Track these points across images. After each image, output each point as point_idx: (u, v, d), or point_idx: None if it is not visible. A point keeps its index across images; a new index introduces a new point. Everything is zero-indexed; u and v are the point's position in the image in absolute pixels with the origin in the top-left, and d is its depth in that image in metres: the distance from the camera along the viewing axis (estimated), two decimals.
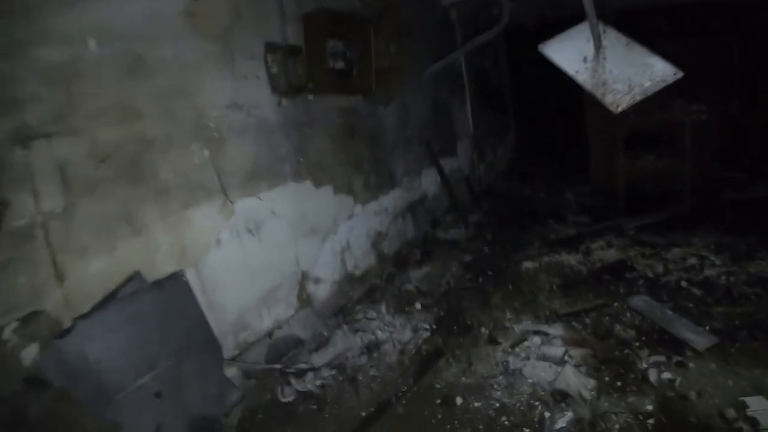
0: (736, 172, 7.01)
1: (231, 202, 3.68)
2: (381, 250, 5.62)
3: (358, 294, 5.16)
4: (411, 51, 5.89)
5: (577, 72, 2.70)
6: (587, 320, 4.27)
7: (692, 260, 5.19)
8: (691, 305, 4.35)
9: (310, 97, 4.49)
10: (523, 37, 10.29)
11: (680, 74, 2.52)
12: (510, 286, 5.08)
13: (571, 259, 5.53)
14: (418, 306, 4.84)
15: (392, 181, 5.85)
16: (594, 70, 2.62)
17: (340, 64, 4.60)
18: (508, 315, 4.52)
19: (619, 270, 5.10)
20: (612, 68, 2.59)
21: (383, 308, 4.90)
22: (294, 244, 4.33)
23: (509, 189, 8.56)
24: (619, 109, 2.46)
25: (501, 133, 9.70)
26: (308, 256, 4.50)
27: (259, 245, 3.99)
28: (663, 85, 2.53)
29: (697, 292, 4.55)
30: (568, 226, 6.56)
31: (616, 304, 4.49)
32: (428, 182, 6.74)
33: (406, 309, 4.83)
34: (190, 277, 3.38)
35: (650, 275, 4.95)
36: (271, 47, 4.02)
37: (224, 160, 3.65)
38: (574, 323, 4.24)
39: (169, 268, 3.25)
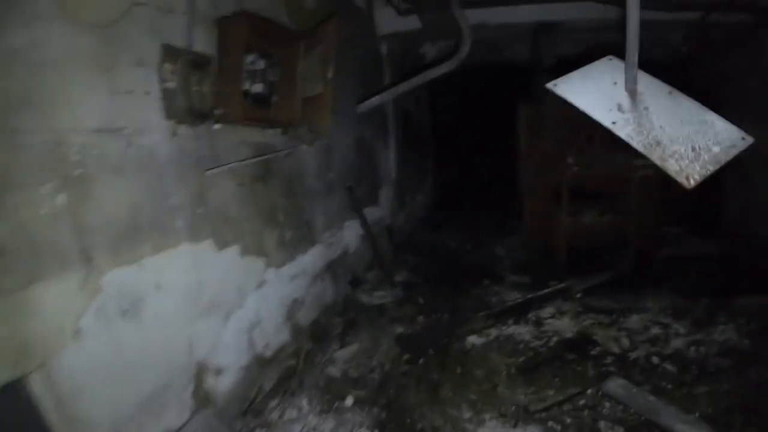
0: (673, 225, 7.05)
1: (98, 274, 2.58)
2: (296, 322, 4.60)
3: (270, 381, 4.09)
4: (340, 80, 5.21)
5: (614, 123, 2.12)
6: (566, 418, 3.60)
7: (655, 329, 4.87)
8: (670, 386, 3.97)
9: (217, 126, 3.49)
10: (444, 78, 10.26)
11: (750, 140, 2.05)
12: (459, 370, 4.29)
13: (522, 331, 4.91)
14: (349, 401, 3.87)
15: (312, 237, 4.91)
16: (638, 123, 2.06)
17: (258, 87, 3.70)
18: (466, 413, 3.70)
19: (581, 346, 4.58)
20: (661, 123, 2.06)
21: (304, 403, 3.94)
22: (187, 327, 3.23)
23: (432, 240, 7.95)
24: (692, 183, 1.91)
25: (420, 178, 9.18)
26: (206, 339, 3.41)
27: (139, 332, 2.86)
28: (734, 153, 2.02)
29: (671, 368, 4.21)
30: (508, 288, 6.01)
31: (589, 391, 3.90)
32: (350, 235, 5.88)
33: (335, 406, 3.88)
34: (36, 385, 2.26)
35: (616, 350, 4.49)
36: (170, 52, 2.98)
37: (90, 210, 2.55)
38: (551, 423, 3.57)
39: (1, 376, 2.17)
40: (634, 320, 5.07)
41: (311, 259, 4.90)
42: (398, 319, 5.29)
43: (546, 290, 5.61)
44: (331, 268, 5.37)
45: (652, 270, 6.20)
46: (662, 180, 6.43)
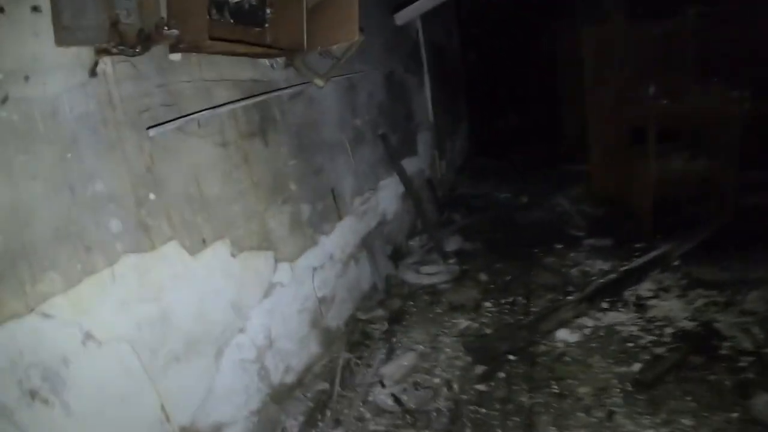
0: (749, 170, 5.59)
1: None
2: (326, 326, 3.37)
3: (295, 420, 2.91)
4: None
5: None
6: None
7: None
8: None
9: (174, 57, 2.13)
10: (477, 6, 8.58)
11: None
12: (555, 387, 3.03)
13: (624, 320, 3.58)
14: None
15: (338, 208, 3.57)
16: None
17: None
18: None
19: (704, 341, 3.28)
20: None
21: None
22: (150, 389, 1.99)
23: (480, 193, 6.54)
24: None
25: (456, 121, 7.65)
26: (189, 395, 2.18)
27: (67, 417, 1.80)
28: None
29: None
30: (588, 254, 4.61)
31: (735, 414, 2.69)
32: (387, 197, 4.54)
33: None
34: None
35: (749, 346, 3.20)
36: None
37: None
38: None
39: None
40: (755, 298, 3.67)
41: (339, 238, 3.59)
42: (459, 307, 3.97)
43: (641, 260, 4.22)
44: (367, 243, 4.07)
45: (749, 224, 4.76)
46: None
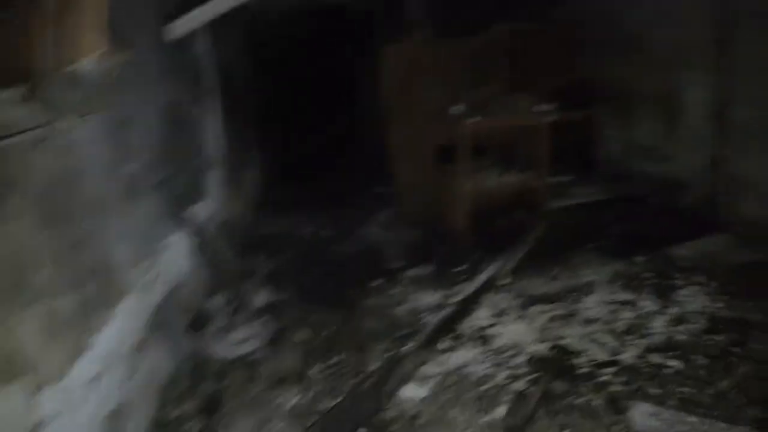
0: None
1: None
2: None
3: None
4: None
5: None
6: None
7: (624, 312, 3.73)
8: (694, 391, 2.89)
9: None
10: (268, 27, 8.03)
11: None
12: None
13: (471, 358, 3.30)
14: None
15: (112, 287, 2.63)
16: None
17: None
18: None
19: (559, 362, 3.19)
20: None
21: None
22: None
23: (283, 229, 5.88)
24: None
25: (254, 151, 6.93)
26: None
27: None
28: None
29: (678, 365, 3.09)
30: (411, 286, 4.32)
31: None
32: (176, 258, 3.62)
33: None
34: None
35: (605, 356, 3.24)
36: None
37: None
38: None
39: None
40: (591, 304, 3.84)
41: (120, 327, 2.64)
42: (282, 380, 3.25)
43: (471, 285, 4.09)
44: (158, 321, 3.15)
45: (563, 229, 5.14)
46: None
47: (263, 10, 5.57)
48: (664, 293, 3.90)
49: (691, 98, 5.05)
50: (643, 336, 3.44)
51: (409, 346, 3.39)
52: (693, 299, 3.81)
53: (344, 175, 7.66)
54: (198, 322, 3.79)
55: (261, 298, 4.30)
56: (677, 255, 4.44)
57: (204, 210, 4.37)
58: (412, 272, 4.53)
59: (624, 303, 3.80)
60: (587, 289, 4.03)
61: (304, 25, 7.75)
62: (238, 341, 3.70)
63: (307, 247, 5.40)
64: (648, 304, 3.76)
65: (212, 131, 4.88)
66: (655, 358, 3.20)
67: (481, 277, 4.16)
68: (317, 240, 5.57)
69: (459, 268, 4.53)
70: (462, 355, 3.36)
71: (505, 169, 5.09)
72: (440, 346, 3.45)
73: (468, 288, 4.06)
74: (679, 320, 3.57)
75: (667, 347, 3.31)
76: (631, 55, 5.56)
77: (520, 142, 5.21)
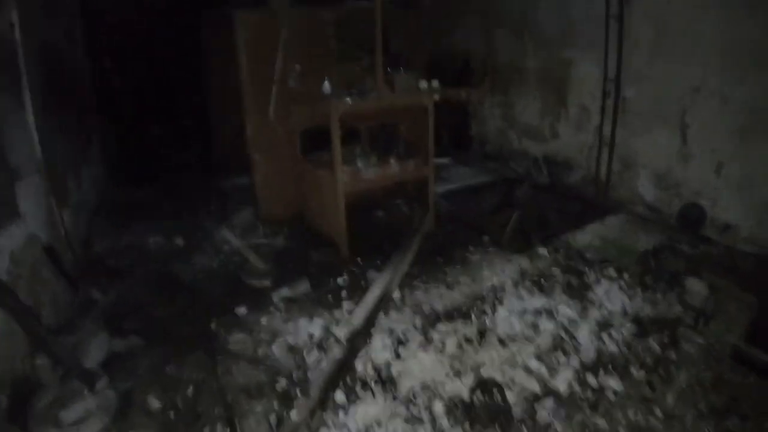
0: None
1: None
2: None
3: None
4: None
5: None
6: None
7: (547, 324, 3.08)
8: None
9: None
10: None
11: None
12: None
13: (379, 413, 2.44)
14: None
15: None
16: None
17: None
18: None
19: (486, 404, 2.42)
20: None
21: None
22: None
23: (125, 244, 4.46)
24: None
25: (85, 149, 5.26)
26: None
27: None
28: None
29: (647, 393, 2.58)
30: (284, 314, 3.31)
31: None
32: None
33: None
34: None
35: (536, 388, 2.58)
36: None
37: None
38: None
39: None
40: (503, 316, 3.13)
41: None
42: None
43: (361, 308, 3.15)
44: None
45: (451, 220, 4.50)
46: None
47: None
48: (578, 293, 3.37)
49: (579, 76, 4.65)
50: (571, 353, 2.90)
51: (297, 404, 2.54)
52: (610, 298, 3.31)
53: (195, 170, 6.33)
54: (21, 396, 2.53)
55: (98, 347, 2.98)
56: (580, 243, 3.97)
57: (16, 234, 3.02)
58: (284, 291, 3.51)
59: (539, 312, 3.20)
60: (494, 295, 3.37)
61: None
62: (74, 421, 2.53)
63: (155, 264, 4.10)
64: (566, 310, 3.18)
65: (22, 130, 3.45)
66: (592, 380, 2.67)
67: (370, 295, 3.29)
68: (166, 254, 4.27)
69: (339, 282, 3.65)
70: (366, 411, 2.47)
71: (383, 155, 4.19)
72: (338, 400, 2.58)
73: (356, 310, 3.18)
74: (603, 326, 3.05)
75: (601, 363, 2.76)
76: (517, 32, 5.07)
77: (400, 123, 4.43)
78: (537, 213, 4.31)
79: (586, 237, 4.04)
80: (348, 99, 3.69)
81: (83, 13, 5.59)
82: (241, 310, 3.38)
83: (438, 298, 3.40)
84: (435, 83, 3.95)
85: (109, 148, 6.11)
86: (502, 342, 2.97)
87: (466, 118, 5.50)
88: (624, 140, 4.34)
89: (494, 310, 3.24)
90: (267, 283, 3.68)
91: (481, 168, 5.35)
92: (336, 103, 3.67)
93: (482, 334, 3.04)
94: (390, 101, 3.90)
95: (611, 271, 3.60)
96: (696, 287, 3.44)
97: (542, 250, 3.87)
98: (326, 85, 3.88)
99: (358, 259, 3.94)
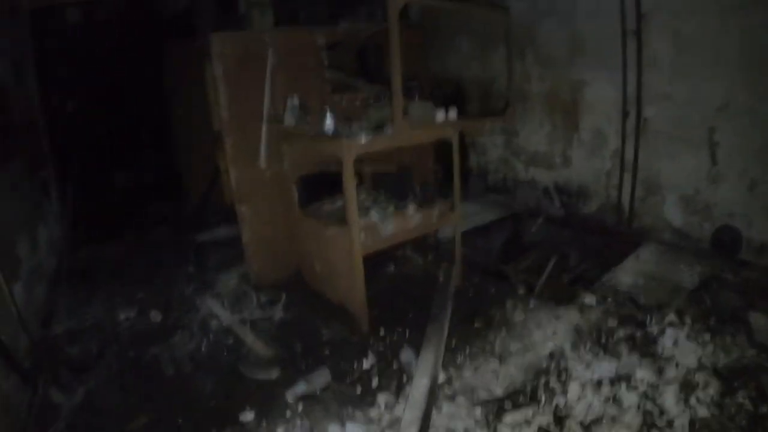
0: None
1: None
2: None
3: None
4: None
5: None
6: None
7: (629, 397, 2.55)
8: None
9: None
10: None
11: None
12: None
13: None
14: None
15: None
16: None
17: None
18: None
19: None
20: None
21: None
22: None
23: (88, 319, 3.62)
24: None
25: (39, 204, 4.35)
26: None
27: None
28: None
29: None
30: (307, 418, 2.58)
31: None
32: None
33: None
34: None
35: None
36: None
37: None
38: None
39: None
40: (575, 393, 2.52)
41: None
42: None
43: (410, 405, 2.46)
44: None
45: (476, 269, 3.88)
46: None
47: None
48: (646, 349, 2.84)
49: (592, 97, 4.18)
50: (665, 428, 2.46)
51: None
52: (681, 350, 2.80)
53: (167, 223, 5.46)
54: None
55: None
56: (623, 284, 3.44)
57: None
58: (300, 387, 2.74)
59: (615, 380, 2.70)
60: (557, 366, 2.77)
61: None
62: None
63: (129, 350, 3.27)
64: (642, 373, 2.68)
65: None
66: None
67: (416, 389, 2.56)
68: (141, 335, 3.43)
69: (365, 365, 2.93)
70: None
71: (398, 202, 3.51)
72: None
73: (405, 414, 2.43)
74: (687, 387, 2.56)
75: None
76: (519, 53, 4.53)
77: (409, 162, 3.83)
78: (559, 252, 3.85)
79: (627, 277, 3.56)
80: (362, 137, 2.98)
81: (35, 45, 4.72)
82: (248, 417, 2.61)
83: (493, 377, 2.76)
84: (453, 113, 3.36)
85: (68, 202, 5.15)
86: (586, 429, 2.46)
87: (463, 148, 4.96)
88: (647, 163, 3.91)
89: (564, 386, 2.70)
90: (275, 375, 2.90)
91: (484, 203, 4.77)
92: (349, 143, 2.96)
93: (560, 421, 2.46)
94: (409, 137, 3.24)
95: (671, 316, 3.11)
96: (760, 322, 3.07)
97: (588, 298, 3.34)
98: (329, 121, 3.23)
99: (380, 330, 3.23)
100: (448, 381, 2.74)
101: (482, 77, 4.93)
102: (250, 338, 3.16)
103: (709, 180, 3.69)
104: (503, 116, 3.58)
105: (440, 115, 3.31)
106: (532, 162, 4.67)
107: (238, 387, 2.86)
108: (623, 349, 2.93)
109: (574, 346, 2.94)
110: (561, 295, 3.42)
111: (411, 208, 3.40)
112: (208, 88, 3.67)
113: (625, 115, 3.87)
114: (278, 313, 3.48)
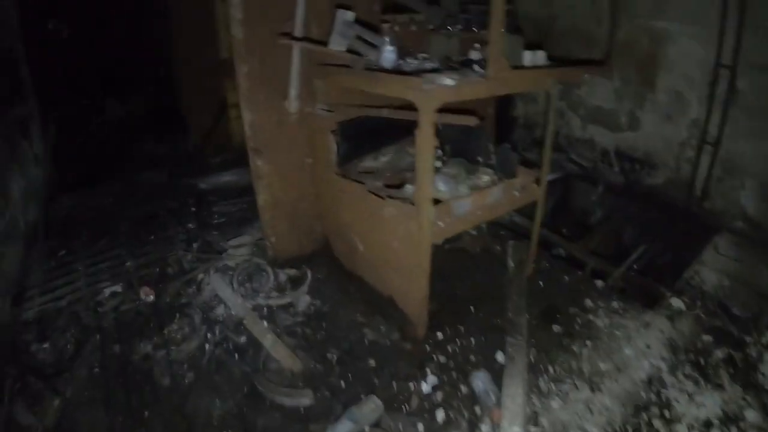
0: None
1: None
2: None
3: None
4: None
5: None
6: None
7: None
8: None
9: None
10: None
11: None
12: None
13: None
14: None
15: None
16: None
17: None
18: None
19: None
20: None
21: None
22: None
23: (67, 302, 2.73)
24: None
25: (15, 144, 3.36)
26: None
27: None
28: None
29: None
30: None
31: None
32: None
33: None
34: None
35: None
36: None
37: None
38: None
39: None
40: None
41: None
42: None
43: None
44: None
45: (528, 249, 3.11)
46: None
47: None
48: (748, 377, 2.35)
49: (674, 54, 3.39)
50: None
51: None
52: None
53: (164, 165, 4.45)
54: None
55: None
56: (709, 284, 2.90)
57: None
58: (343, 428, 2.04)
59: (723, 422, 2.22)
60: (657, 398, 2.22)
61: None
62: None
63: (109, 348, 2.46)
64: (750, 414, 2.19)
65: None
66: None
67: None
68: (128, 324, 2.61)
69: (424, 388, 2.27)
70: None
71: (469, 167, 2.71)
72: None
73: None
74: None
75: None
76: None
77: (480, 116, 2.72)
78: (644, 242, 3.25)
79: (711, 275, 3.00)
80: (448, 81, 2.08)
81: None
82: None
83: (585, 410, 2.17)
84: (541, 54, 2.51)
85: (51, 139, 4.13)
86: None
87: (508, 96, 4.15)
88: (731, 141, 3.31)
89: (670, 427, 2.24)
90: (306, 400, 2.19)
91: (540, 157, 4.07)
92: (430, 88, 2.07)
93: None
94: (505, 83, 2.34)
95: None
96: None
97: (676, 301, 2.83)
98: (388, 52, 2.37)
99: (438, 334, 2.55)
100: (534, 417, 2.19)
101: (540, 14, 4.06)
102: (269, 339, 2.43)
103: None
104: (604, 67, 2.72)
105: (528, 57, 2.47)
106: (592, 119, 3.91)
107: (255, 414, 2.16)
108: (724, 375, 2.43)
109: (672, 369, 2.42)
110: (644, 293, 2.90)
111: (487, 178, 2.62)
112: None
113: (714, 81, 3.20)
114: (303, 298, 2.71)
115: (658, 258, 3.17)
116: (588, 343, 2.51)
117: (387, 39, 2.37)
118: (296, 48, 2.61)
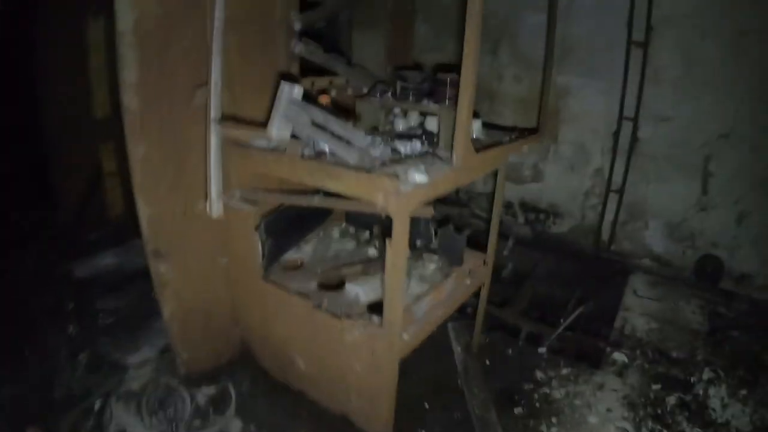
0: None
1: None
2: None
3: None
4: None
5: None
6: None
7: None
8: None
9: None
10: None
11: None
12: None
13: None
14: None
15: None
16: None
17: None
18: None
19: None
20: None
21: None
22: None
23: None
24: None
25: None
26: None
27: None
28: None
29: None
30: None
31: None
32: None
33: None
34: None
35: None
36: None
37: None
38: None
39: None
40: None
41: None
42: None
43: None
44: None
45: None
46: None
47: None
48: (703, 419, 2.39)
49: (577, 108, 3.58)
50: None
51: None
52: (730, 413, 2.41)
53: (31, 246, 3.55)
54: None
55: None
56: (639, 329, 2.94)
57: None
58: None
59: None
60: None
61: None
62: None
63: None
64: None
65: None
66: None
67: None
68: None
69: None
70: None
71: (413, 255, 2.39)
72: None
73: None
74: None
75: None
76: (492, 46, 3.75)
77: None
78: (578, 297, 3.23)
79: (638, 320, 3.05)
80: (419, 176, 1.72)
81: None
82: None
83: None
84: (478, 125, 2.32)
85: None
86: None
87: None
88: (634, 187, 3.47)
89: None
90: None
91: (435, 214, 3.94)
92: (407, 192, 1.73)
93: None
94: (472, 171, 2.13)
95: (708, 372, 2.74)
96: None
97: (618, 355, 2.77)
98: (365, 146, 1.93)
99: None
100: None
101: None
102: None
103: (697, 208, 3.37)
104: (539, 135, 2.62)
105: (477, 128, 2.28)
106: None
107: None
108: (682, 420, 2.43)
109: (637, 428, 2.34)
110: (583, 351, 2.84)
111: (433, 266, 2.33)
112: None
113: (618, 131, 3.38)
114: (234, 423, 2.21)
115: (584, 309, 3.16)
116: (553, 419, 2.35)
117: (361, 131, 1.98)
118: (214, 131, 2.11)
